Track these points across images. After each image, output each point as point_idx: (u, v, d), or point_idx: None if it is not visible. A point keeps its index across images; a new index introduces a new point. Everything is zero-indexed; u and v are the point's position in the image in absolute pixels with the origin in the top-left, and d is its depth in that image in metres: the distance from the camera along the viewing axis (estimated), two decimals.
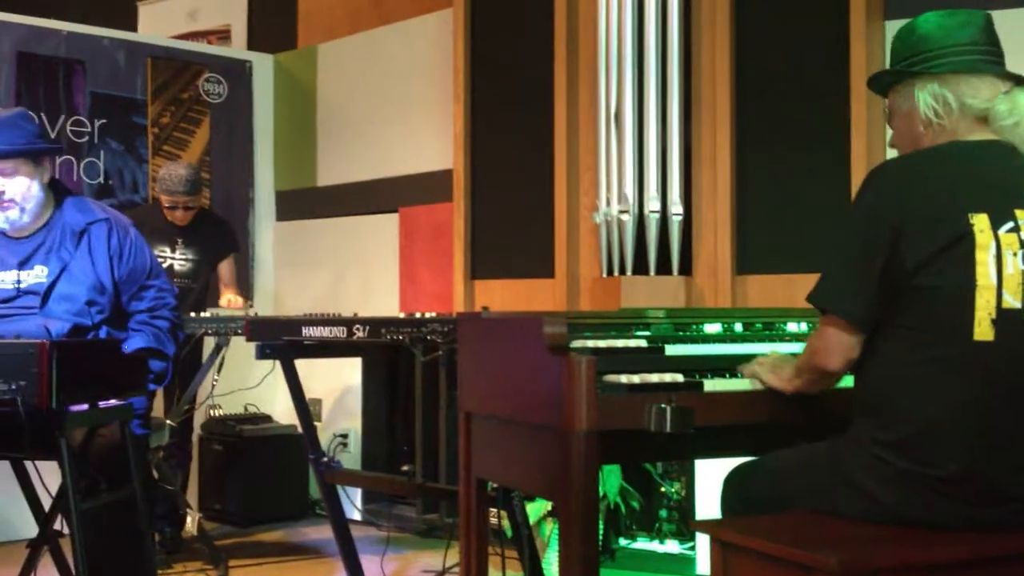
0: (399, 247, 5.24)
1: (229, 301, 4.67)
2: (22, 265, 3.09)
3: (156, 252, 4.66)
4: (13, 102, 4.95)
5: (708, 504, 3.71)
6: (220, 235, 4.89)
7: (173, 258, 4.71)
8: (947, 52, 2.01)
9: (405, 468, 3.41)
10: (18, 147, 3.03)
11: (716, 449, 2.46)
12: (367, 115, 5.48)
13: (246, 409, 5.17)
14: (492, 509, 2.80)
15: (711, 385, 2.15)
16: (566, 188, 3.97)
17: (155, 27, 6.87)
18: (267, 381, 4.53)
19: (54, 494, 2.95)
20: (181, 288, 4.71)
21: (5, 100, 4.96)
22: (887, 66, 2.17)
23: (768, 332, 2.53)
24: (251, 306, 4.80)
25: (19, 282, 3.07)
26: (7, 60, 5.01)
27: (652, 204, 3.69)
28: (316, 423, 4.51)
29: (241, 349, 4.26)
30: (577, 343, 2.20)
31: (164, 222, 4.68)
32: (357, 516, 4.86)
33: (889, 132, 2.17)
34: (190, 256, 4.74)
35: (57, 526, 3.12)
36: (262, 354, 3.85)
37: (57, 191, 3.19)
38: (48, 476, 2.95)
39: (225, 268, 4.88)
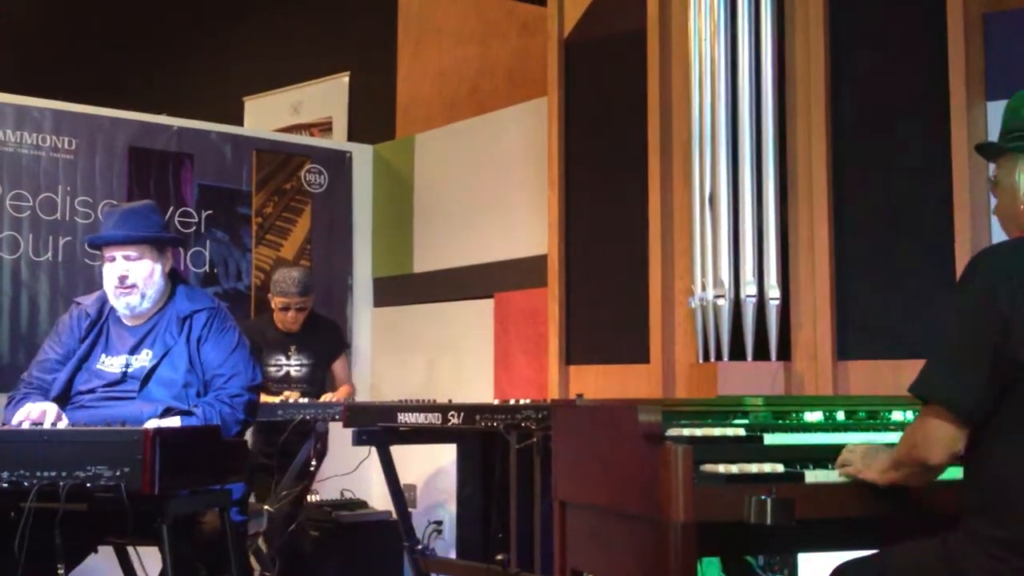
0: (494, 332, 5.26)
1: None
2: (132, 351, 3.19)
3: (271, 362, 4.79)
4: (126, 194, 5.17)
5: None
6: (331, 337, 5.03)
7: (289, 365, 4.84)
8: None
9: (500, 557, 3.38)
10: (144, 234, 3.17)
11: (819, 543, 2.37)
12: (462, 202, 5.56)
13: (342, 494, 5.19)
14: None
15: (812, 476, 2.08)
16: (660, 273, 3.94)
17: (261, 120, 7.13)
18: (363, 466, 4.55)
19: None
20: (299, 393, 4.83)
21: (118, 193, 5.18)
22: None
23: (872, 421, 2.45)
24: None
25: (127, 366, 3.17)
26: (120, 155, 5.24)
27: (749, 288, 3.63)
28: (411, 509, 4.50)
29: (338, 435, 4.30)
30: (673, 431, 2.17)
31: (276, 332, 4.84)
32: None
33: (993, 200, 2.11)
34: (304, 361, 4.86)
35: None
36: (359, 440, 3.89)
37: (174, 281, 3.31)
38: (149, 561, 2.99)
39: (339, 368, 5.01)
